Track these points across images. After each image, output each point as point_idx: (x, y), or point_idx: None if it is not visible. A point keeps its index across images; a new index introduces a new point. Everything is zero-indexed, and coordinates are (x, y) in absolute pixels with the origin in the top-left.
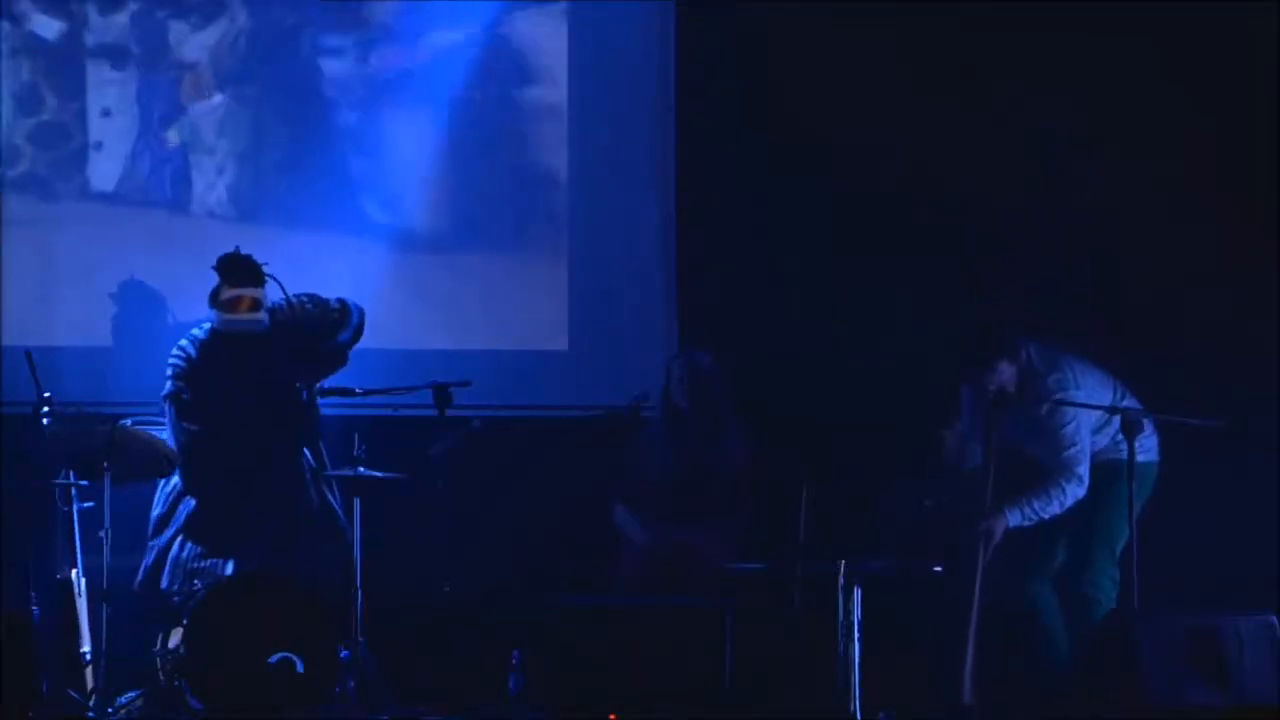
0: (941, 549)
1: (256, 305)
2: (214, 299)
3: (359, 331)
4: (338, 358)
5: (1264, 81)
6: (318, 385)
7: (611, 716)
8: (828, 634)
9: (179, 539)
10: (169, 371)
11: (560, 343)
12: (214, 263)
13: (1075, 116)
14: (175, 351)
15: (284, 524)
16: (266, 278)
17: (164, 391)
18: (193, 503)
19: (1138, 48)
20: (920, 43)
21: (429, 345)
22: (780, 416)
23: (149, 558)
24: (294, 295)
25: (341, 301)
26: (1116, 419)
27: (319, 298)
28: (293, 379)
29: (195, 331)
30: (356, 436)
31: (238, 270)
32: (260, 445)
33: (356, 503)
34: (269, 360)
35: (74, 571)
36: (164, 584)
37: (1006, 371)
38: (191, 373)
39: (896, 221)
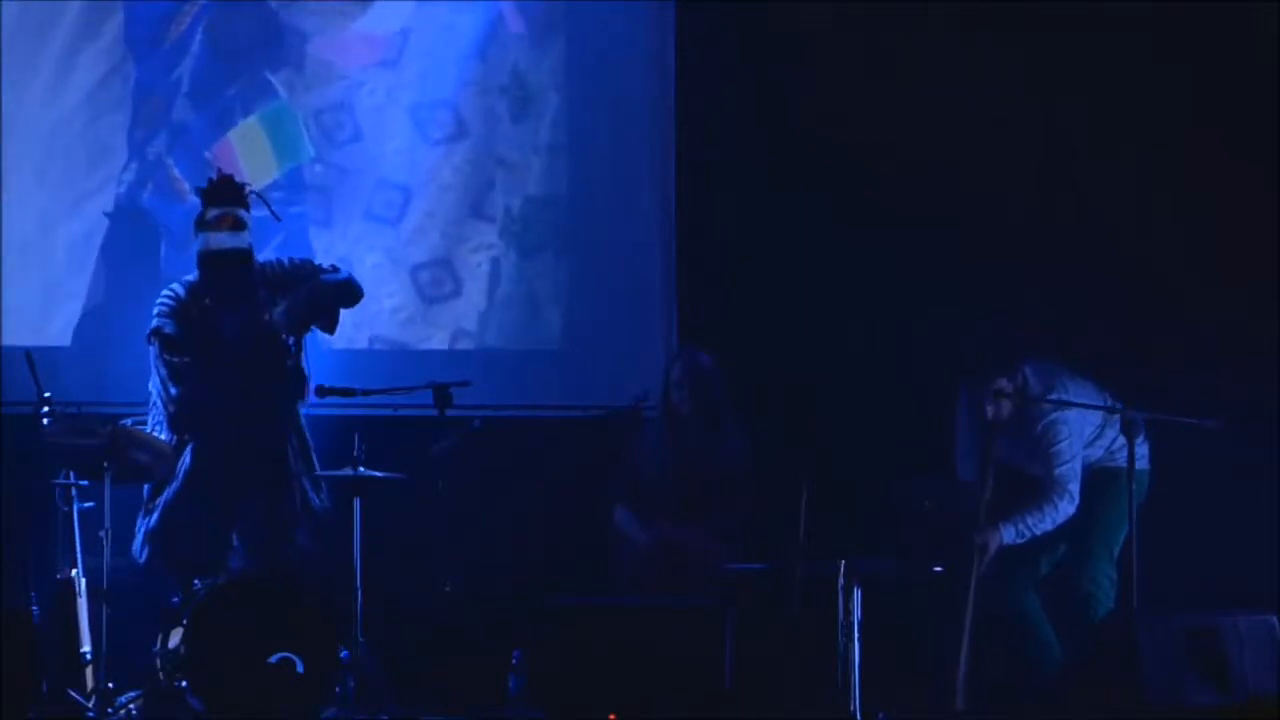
0: (941, 549)
1: (240, 225)
2: (198, 222)
3: (350, 290)
4: (324, 308)
5: (1264, 81)
6: (317, 384)
7: (611, 716)
8: (828, 634)
9: (181, 504)
10: (155, 311)
11: (559, 342)
12: (196, 190)
13: (1076, 116)
14: (165, 292)
15: (276, 473)
16: (250, 196)
17: (149, 329)
18: (189, 460)
19: (1138, 47)
20: (921, 42)
21: (429, 345)
22: (780, 416)
23: (152, 519)
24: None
25: (335, 266)
26: (1110, 431)
27: (313, 261)
28: (277, 323)
29: (187, 277)
30: (356, 436)
31: (220, 190)
32: (249, 385)
33: (356, 503)
34: (255, 300)
35: (74, 571)
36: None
37: (1003, 388)
38: (179, 310)
39: (897, 221)
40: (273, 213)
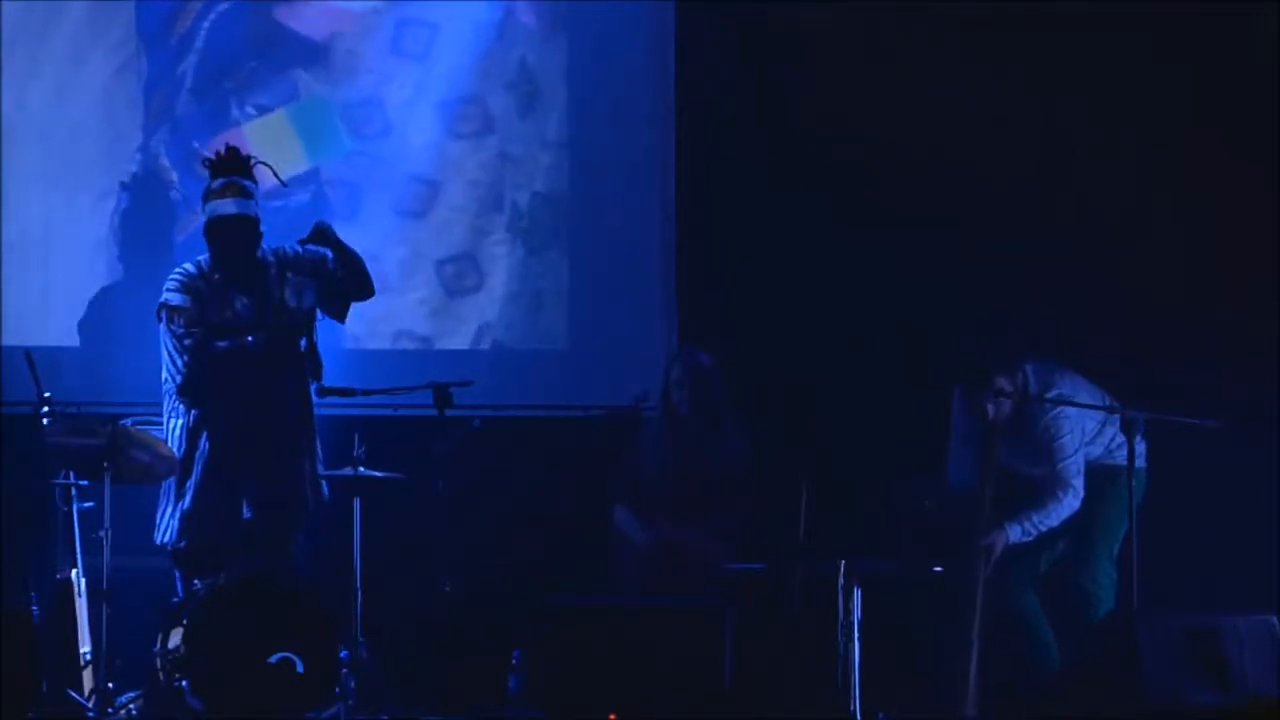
0: (941, 549)
1: (244, 193)
2: (205, 194)
3: (367, 272)
4: (358, 268)
5: (1264, 81)
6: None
7: (611, 716)
8: (828, 634)
9: (206, 486)
10: (165, 286)
11: (560, 342)
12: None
13: (1076, 116)
14: (176, 270)
15: (288, 454)
16: (255, 164)
17: (157, 304)
18: (205, 444)
19: (1138, 47)
20: (921, 42)
21: (429, 345)
22: (780, 416)
23: (186, 501)
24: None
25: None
26: (1110, 429)
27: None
28: (289, 301)
29: (198, 257)
30: (356, 436)
31: (226, 161)
32: (262, 362)
33: (356, 503)
34: (267, 277)
35: (74, 571)
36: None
37: (1004, 387)
38: (188, 284)
39: (897, 221)
40: (279, 179)
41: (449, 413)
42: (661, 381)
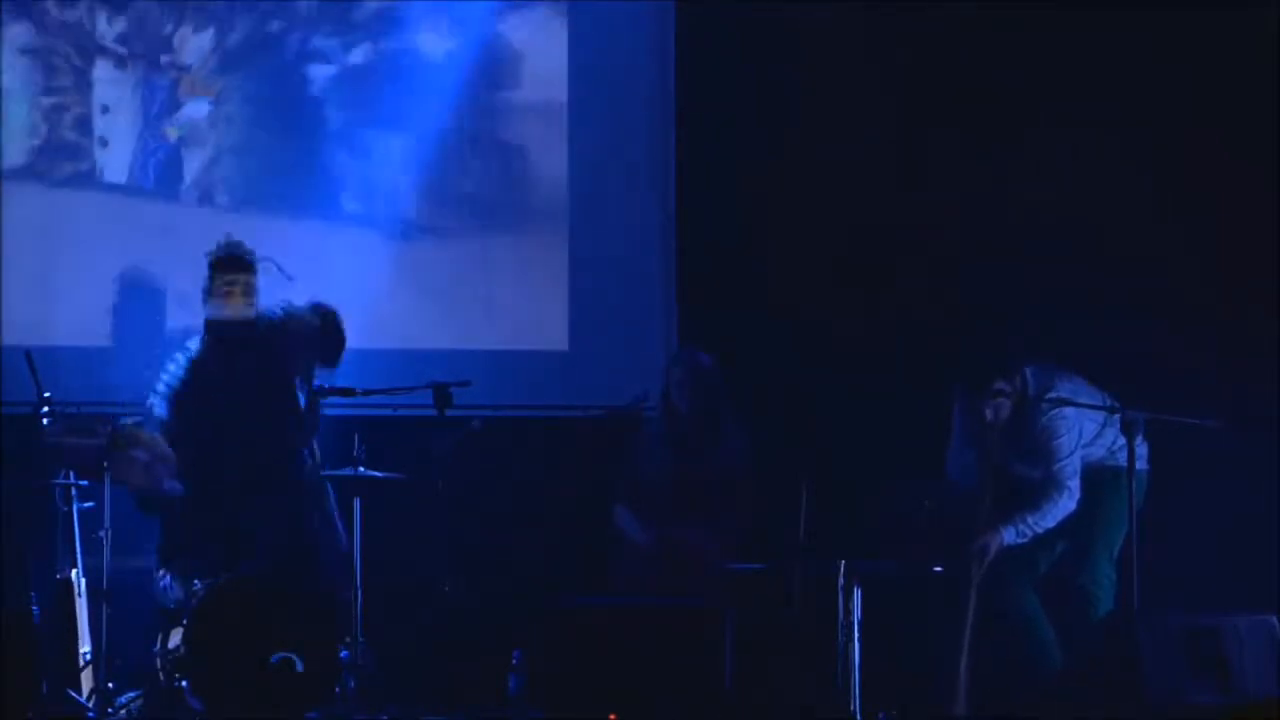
0: (941, 549)
1: (250, 292)
2: (208, 292)
3: (336, 331)
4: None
5: (1264, 81)
6: (317, 385)
7: (611, 716)
8: (828, 634)
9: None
10: (154, 387)
11: (560, 343)
12: (206, 255)
13: (1077, 117)
14: (165, 373)
15: (283, 533)
16: (259, 262)
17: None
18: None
19: (1138, 47)
20: (920, 42)
21: (429, 345)
22: (780, 416)
23: (168, 578)
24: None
25: (320, 304)
26: (1111, 431)
27: (322, 306)
28: (292, 374)
29: (191, 345)
30: (356, 436)
31: (229, 260)
32: (257, 448)
33: (356, 503)
34: (266, 359)
35: (74, 571)
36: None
37: (1002, 389)
38: (176, 391)
39: (896, 221)
40: (284, 275)
41: (449, 413)
42: (661, 381)
